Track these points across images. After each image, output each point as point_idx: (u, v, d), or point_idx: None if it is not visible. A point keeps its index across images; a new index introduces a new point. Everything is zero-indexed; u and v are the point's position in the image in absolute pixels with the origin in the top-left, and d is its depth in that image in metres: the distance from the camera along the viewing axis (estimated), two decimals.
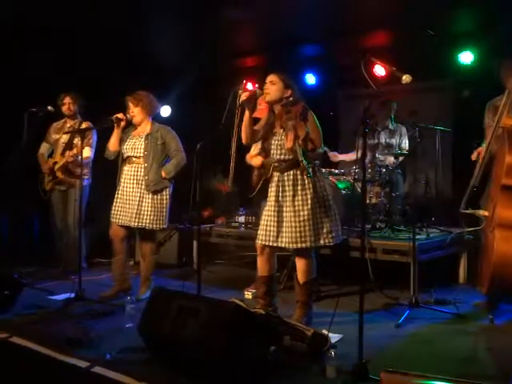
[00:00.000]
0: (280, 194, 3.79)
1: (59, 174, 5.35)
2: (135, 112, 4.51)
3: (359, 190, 5.01)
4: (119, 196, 4.52)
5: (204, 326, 2.83)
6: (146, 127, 4.55)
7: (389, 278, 4.74)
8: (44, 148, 5.57)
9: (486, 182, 3.96)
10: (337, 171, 5.70)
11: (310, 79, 7.32)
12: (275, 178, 3.83)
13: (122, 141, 4.55)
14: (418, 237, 4.64)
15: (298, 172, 3.75)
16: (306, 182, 3.74)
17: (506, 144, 3.58)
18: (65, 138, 5.40)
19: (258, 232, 3.88)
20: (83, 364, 2.98)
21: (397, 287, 4.74)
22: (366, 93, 3.50)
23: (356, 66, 3.17)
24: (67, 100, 5.40)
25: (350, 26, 5.92)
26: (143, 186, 4.42)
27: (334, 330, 3.31)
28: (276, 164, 3.83)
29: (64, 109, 5.41)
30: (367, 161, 5.35)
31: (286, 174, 3.78)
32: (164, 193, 4.50)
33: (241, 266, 6.09)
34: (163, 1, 5.36)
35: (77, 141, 5.21)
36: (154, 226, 4.46)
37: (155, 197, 4.45)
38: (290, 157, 3.75)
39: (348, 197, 5.26)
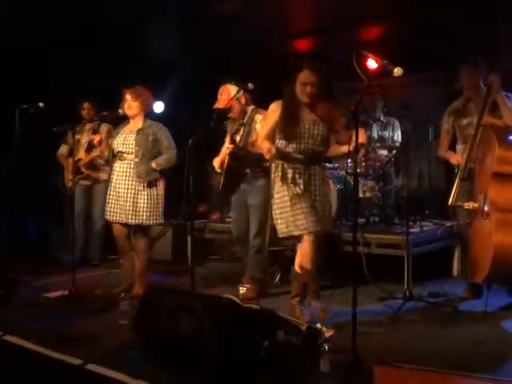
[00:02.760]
0: (307, 184, 3.69)
1: (85, 170, 5.81)
2: (133, 106, 4.46)
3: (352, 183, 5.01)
4: (112, 194, 4.47)
5: (199, 323, 2.83)
6: (138, 123, 4.52)
7: (383, 272, 4.74)
8: (63, 149, 5.99)
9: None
10: (330, 165, 5.69)
11: None
12: (298, 170, 3.69)
13: (112, 136, 4.54)
14: (411, 230, 4.65)
15: (318, 165, 3.79)
16: (323, 174, 3.84)
17: (494, 137, 3.72)
18: (86, 137, 5.87)
19: (299, 222, 3.62)
20: (77, 361, 2.97)
21: (391, 281, 4.74)
22: (360, 86, 3.47)
23: (350, 59, 3.16)
24: (86, 105, 5.93)
25: (343, 19, 5.91)
26: (136, 182, 4.39)
27: (328, 323, 3.31)
28: (301, 156, 3.70)
29: (84, 113, 5.92)
30: (360, 155, 5.33)
31: (313, 167, 3.74)
32: (158, 187, 4.48)
33: (235, 261, 6.07)
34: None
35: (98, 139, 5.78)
36: (151, 221, 4.44)
37: (150, 192, 4.42)
38: (322, 149, 3.78)
39: (341, 191, 5.26)
